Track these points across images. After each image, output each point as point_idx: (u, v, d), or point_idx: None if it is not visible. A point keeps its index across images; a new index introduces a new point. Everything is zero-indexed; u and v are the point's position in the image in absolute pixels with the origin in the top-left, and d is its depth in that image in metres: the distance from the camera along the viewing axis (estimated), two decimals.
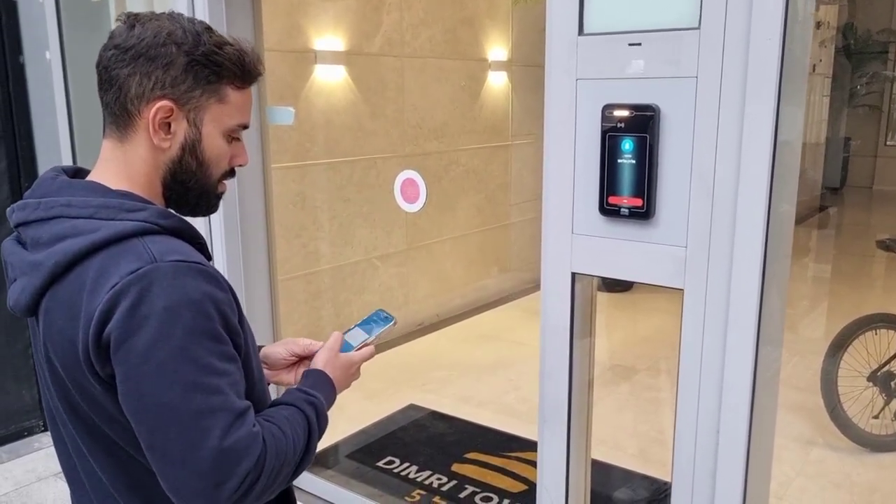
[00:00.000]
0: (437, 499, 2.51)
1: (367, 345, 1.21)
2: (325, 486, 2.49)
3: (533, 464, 2.86)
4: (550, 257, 1.58)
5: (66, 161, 2.84)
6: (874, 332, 2.89)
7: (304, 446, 0.99)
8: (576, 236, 1.53)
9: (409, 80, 4.05)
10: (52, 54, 2.82)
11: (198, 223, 2.63)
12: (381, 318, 1.26)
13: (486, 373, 3.69)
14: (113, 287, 0.84)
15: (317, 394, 1.07)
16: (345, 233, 3.79)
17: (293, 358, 1.22)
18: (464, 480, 2.63)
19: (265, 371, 1.21)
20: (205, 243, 1.00)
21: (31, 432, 3.08)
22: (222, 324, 0.89)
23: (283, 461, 0.93)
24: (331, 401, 1.11)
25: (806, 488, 2.58)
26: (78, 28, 2.81)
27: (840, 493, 2.56)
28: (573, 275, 1.57)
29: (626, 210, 1.44)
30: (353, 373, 1.18)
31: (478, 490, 2.56)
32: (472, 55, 4.48)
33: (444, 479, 2.63)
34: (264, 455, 0.89)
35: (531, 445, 3.01)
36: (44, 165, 2.93)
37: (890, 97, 9.47)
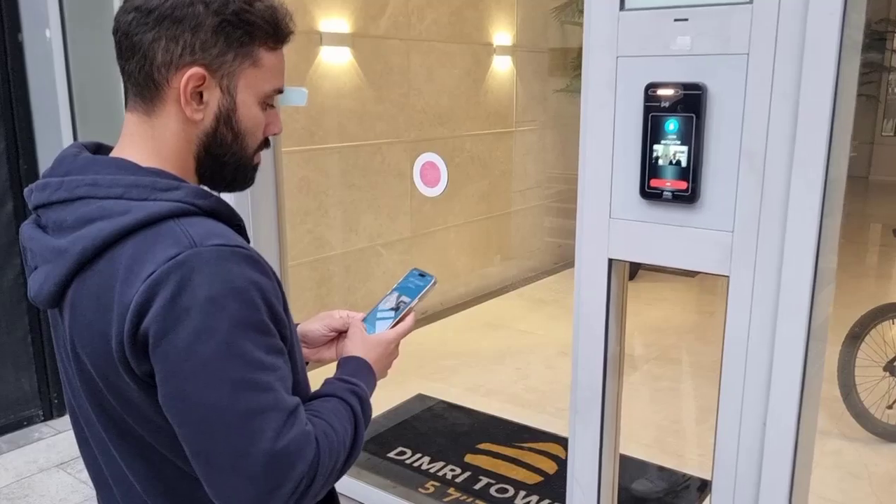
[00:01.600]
0: (451, 490, 2.47)
1: (404, 317, 1.11)
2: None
3: (547, 454, 2.82)
4: (586, 242, 1.53)
5: (67, 142, 2.75)
6: (891, 321, 2.86)
7: (351, 439, 0.93)
8: (614, 221, 1.47)
9: (415, 64, 3.97)
10: (53, 32, 2.73)
11: None
12: (416, 278, 1.16)
13: (493, 362, 3.64)
14: (149, 276, 0.76)
15: (358, 381, 1.00)
16: (350, 219, 3.72)
17: (332, 333, 1.14)
18: (477, 471, 2.58)
19: (304, 350, 1.14)
20: (243, 225, 0.93)
21: (30, 422, 3.00)
22: (269, 314, 0.81)
23: (336, 459, 0.87)
24: (372, 387, 1.04)
25: (825, 480, 2.55)
26: (79, 5, 2.71)
27: (860, 484, 2.53)
28: (610, 261, 1.51)
29: (669, 193, 1.39)
30: (390, 352, 1.09)
31: (493, 481, 2.51)
32: (477, 39, 4.41)
33: (458, 471, 2.58)
34: (318, 456, 0.83)
35: (543, 436, 2.97)
36: (43, 147, 2.84)
37: (886, 87, 9.46)
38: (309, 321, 1.17)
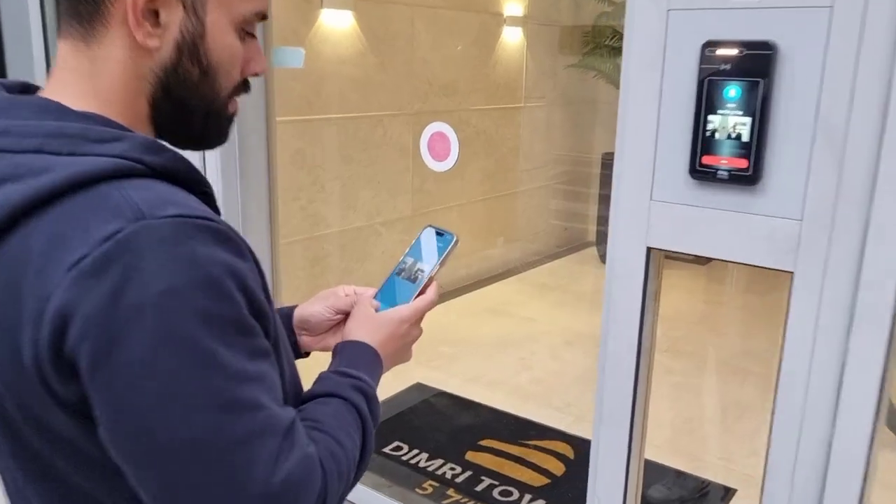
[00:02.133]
0: (451, 492, 2.28)
1: (425, 288, 0.92)
2: None
3: (554, 454, 2.63)
4: (621, 228, 1.32)
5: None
6: None
7: (360, 449, 0.73)
8: (655, 204, 1.27)
9: (420, 31, 3.73)
10: None
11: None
12: (434, 238, 0.96)
13: (496, 350, 3.45)
14: (78, 263, 0.55)
15: (360, 373, 0.80)
16: (347, 196, 3.50)
17: (338, 316, 0.95)
18: (479, 471, 2.39)
19: (304, 338, 0.96)
20: (212, 193, 0.72)
21: None
22: (249, 307, 0.61)
23: (346, 481, 0.69)
24: (377, 377, 0.84)
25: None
26: None
27: None
28: (649, 250, 1.30)
29: (725, 173, 1.18)
30: (403, 332, 0.89)
31: (496, 483, 2.32)
32: (487, 7, 4.16)
33: (458, 469, 2.39)
34: (325, 485, 0.64)
35: (549, 432, 2.78)
36: None
37: None
38: (309, 302, 0.97)
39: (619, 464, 1.42)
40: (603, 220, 4.73)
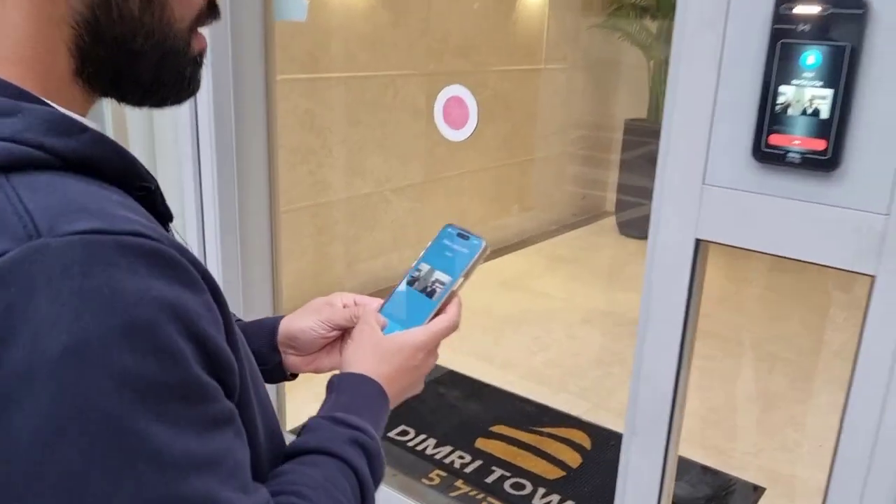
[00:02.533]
0: (459, 483, 2.13)
1: (445, 304, 0.74)
2: None
3: (570, 443, 2.47)
4: (667, 216, 1.13)
5: None
6: None
7: None
8: (709, 189, 1.08)
9: None
10: None
11: (164, 133, 2.09)
12: (456, 242, 0.78)
13: (508, 328, 3.29)
14: None
15: (361, 422, 0.63)
16: (355, 161, 3.31)
17: (334, 332, 0.78)
18: (490, 460, 2.24)
19: (292, 358, 0.79)
20: (155, 188, 0.53)
21: None
22: (202, 358, 0.44)
23: None
24: (382, 422, 0.68)
25: None
26: None
27: None
28: (698, 242, 1.12)
29: (797, 155, 0.99)
30: (418, 362, 0.72)
31: (507, 474, 2.18)
32: None
33: (468, 458, 2.25)
34: None
35: (566, 419, 2.61)
36: None
37: None
38: (298, 314, 0.80)
39: (654, 474, 1.26)
40: (624, 189, 4.52)
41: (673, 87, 1.09)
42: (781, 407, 2.62)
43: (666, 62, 4.32)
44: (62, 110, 0.47)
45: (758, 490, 2.16)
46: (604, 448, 2.33)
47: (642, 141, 4.33)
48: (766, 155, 1.01)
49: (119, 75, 0.52)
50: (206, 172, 1.95)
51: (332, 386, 0.69)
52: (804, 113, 0.98)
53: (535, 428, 2.44)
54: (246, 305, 2.12)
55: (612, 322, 3.28)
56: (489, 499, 2.07)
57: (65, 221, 0.40)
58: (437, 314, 0.74)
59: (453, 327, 0.74)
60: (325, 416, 0.63)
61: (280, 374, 0.80)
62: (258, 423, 0.54)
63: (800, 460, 2.33)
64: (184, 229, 2.06)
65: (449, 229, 0.81)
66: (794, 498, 2.15)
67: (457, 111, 1.56)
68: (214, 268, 2.02)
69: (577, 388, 2.73)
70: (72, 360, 0.38)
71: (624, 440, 1.29)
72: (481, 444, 2.33)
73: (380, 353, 0.70)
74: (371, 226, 3.46)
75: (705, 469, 2.22)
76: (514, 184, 4.34)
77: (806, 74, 0.97)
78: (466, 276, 0.76)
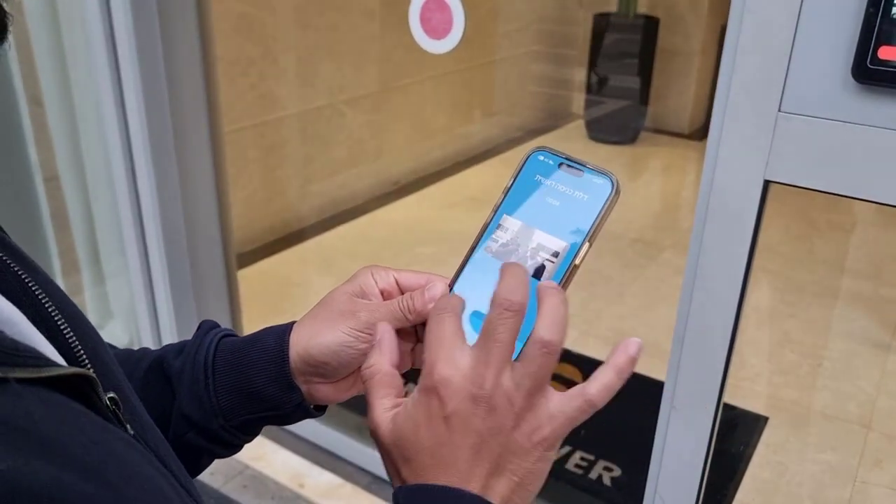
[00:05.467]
0: None
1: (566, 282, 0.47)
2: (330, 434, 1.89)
3: (560, 380, 2.32)
4: (727, 152, 0.89)
5: None
6: None
7: None
8: (786, 118, 0.84)
9: None
10: None
11: (75, 45, 1.74)
12: (561, 180, 0.49)
13: None
14: None
15: None
16: (304, 70, 2.95)
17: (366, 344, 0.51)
18: None
19: (320, 389, 0.54)
20: None
21: None
22: None
23: None
24: None
25: (893, 411, 2.11)
26: None
27: None
28: (766, 184, 0.89)
29: None
30: (534, 445, 0.43)
31: None
32: None
33: None
34: None
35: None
36: None
37: None
38: (318, 324, 0.53)
39: (697, 456, 1.08)
40: (592, 88, 4.25)
41: None
42: (773, 323, 2.49)
43: None
44: None
45: (760, 420, 2.04)
46: None
47: (613, 36, 4.03)
48: (874, 73, 0.76)
49: None
50: (130, 91, 1.62)
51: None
52: None
53: None
54: (190, 244, 1.84)
55: None
56: None
57: None
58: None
59: (622, 372, 0.46)
60: None
61: (301, 413, 0.55)
62: None
63: (800, 384, 2.21)
64: (108, 163, 1.74)
65: (542, 157, 0.50)
66: (799, 426, 2.04)
67: (437, 16, 1.26)
68: (149, 201, 1.72)
69: None
70: None
71: (661, 414, 1.09)
72: None
73: (478, 430, 0.41)
74: (325, 143, 3.14)
75: None
76: (476, 88, 4.02)
77: None
78: (591, 239, 0.48)
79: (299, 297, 2.65)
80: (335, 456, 1.85)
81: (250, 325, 2.08)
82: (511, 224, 0.50)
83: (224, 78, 2.54)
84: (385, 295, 0.53)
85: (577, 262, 0.48)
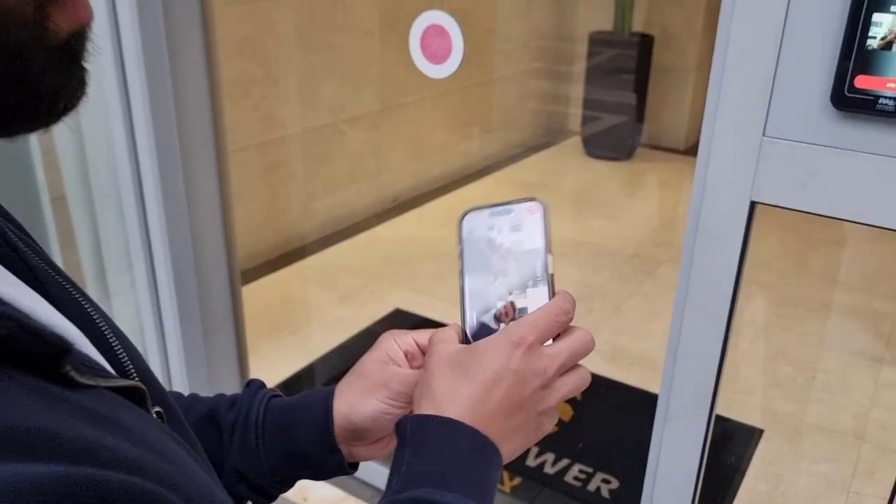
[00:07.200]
0: None
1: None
2: None
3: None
4: (715, 174, 0.94)
5: None
6: None
7: None
8: (770, 143, 0.88)
9: None
10: None
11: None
12: (499, 230, 0.56)
13: None
14: None
15: (457, 499, 0.44)
16: (305, 90, 3.00)
17: (408, 405, 0.57)
18: None
19: (359, 451, 0.60)
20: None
21: None
22: None
23: None
24: (491, 488, 0.48)
25: (887, 423, 2.14)
26: None
27: None
28: (753, 205, 0.93)
29: (891, 102, 0.80)
30: (549, 378, 0.50)
31: None
32: None
33: None
34: None
35: None
36: None
37: None
38: (356, 394, 0.58)
39: (691, 464, 1.11)
40: (588, 104, 4.31)
41: (728, 7, 0.87)
42: (768, 337, 2.53)
43: None
44: None
45: (755, 433, 2.07)
46: (595, 397, 2.21)
47: (609, 54, 4.09)
48: (851, 100, 0.81)
49: None
50: (138, 110, 1.67)
51: (402, 436, 0.48)
52: None
53: None
54: (196, 262, 1.88)
55: (588, 252, 3.12)
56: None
57: None
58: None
59: (570, 307, 0.52)
60: (404, 500, 0.43)
61: (339, 471, 0.61)
62: None
63: (795, 396, 2.25)
64: (115, 182, 1.78)
65: (473, 216, 0.57)
66: (794, 438, 2.07)
67: (437, 42, 1.31)
68: (156, 219, 1.76)
69: None
70: None
71: (656, 424, 1.13)
72: None
73: (461, 372, 0.48)
74: (325, 161, 3.19)
75: None
76: (475, 106, 4.08)
77: None
78: (550, 250, 0.55)
79: (301, 314, 2.69)
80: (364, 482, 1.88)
81: (254, 342, 2.12)
82: (479, 284, 0.55)
83: (227, 98, 2.59)
84: (409, 357, 0.60)
85: (551, 272, 0.55)
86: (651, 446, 1.13)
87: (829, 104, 0.83)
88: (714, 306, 1.00)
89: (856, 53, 0.79)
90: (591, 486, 1.85)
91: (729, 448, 1.99)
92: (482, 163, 4.04)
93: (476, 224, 0.57)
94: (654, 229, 3.43)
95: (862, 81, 0.80)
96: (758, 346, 2.50)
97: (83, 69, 0.33)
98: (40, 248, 0.45)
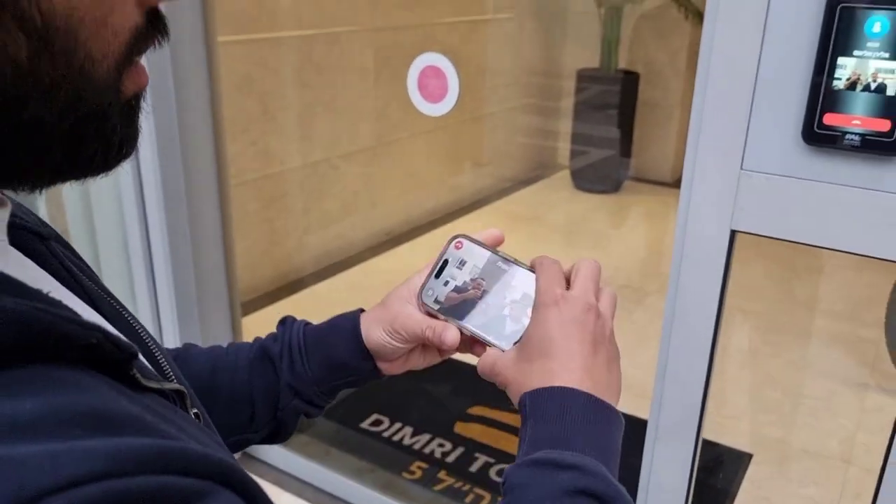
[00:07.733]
0: (442, 474, 2.02)
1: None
2: (298, 461, 1.96)
3: None
4: (698, 206, 1.00)
5: None
6: None
7: None
8: (748, 175, 0.95)
9: None
10: None
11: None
12: (454, 265, 0.70)
13: None
14: None
15: (576, 458, 0.49)
16: (302, 126, 3.08)
17: (411, 344, 0.69)
18: (472, 446, 2.13)
19: (381, 364, 0.71)
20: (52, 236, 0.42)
21: None
22: None
23: None
24: (613, 443, 0.54)
25: (872, 446, 2.19)
26: None
27: None
28: (733, 234, 1.00)
29: (857, 137, 0.87)
30: (595, 323, 0.60)
31: (491, 460, 2.07)
32: None
33: (448, 446, 2.13)
34: None
35: None
36: None
37: None
38: (373, 318, 0.70)
39: (680, 481, 1.16)
40: (577, 139, 4.41)
41: (706, 52, 0.95)
42: (756, 363, 2.58)
43: (618, 8, 4.17)
44: None
45: (744, 457, 2.11)
46: None
47: (596, 90, 4.20)
48: (820, 137, 0.88)
49: (9, 162, 0.34)
50: (146, 150, 1.73)
51: (524, 412, 0.55)
52: (867, 89, 0.85)
53: (513, 406, 2.34)
54: (199, 295, 1.93)
55: None
56: (476, 489, 1.96)
57: None
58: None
59: (546, 260, 0.65)
60: (526, 462, 0.50)
61: (372, 377, 0.72)
62: None
63: (783, 422, 2.30)
64: (120, 217, 1.84)
65: (430, 292, 0.67)
66: (782, 463, 2.11)
67: (434, 82, 1.38)
68: (161, 254, 1.82)
69: None
70: None
71: (646, 446, 1.18)
72: (461, 428, 2.22)
73: (538, 354, 0.57)
74: (320, 196, 3.26)
75: None
76: (467, 141, 4.17)
77: (871, 45, 0.84)
78: (505, 256, 0.67)
79: None
80: (335, 497, 1.91)
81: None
82: (478, 318, 0.65)
83: (226, 135, 2.66)
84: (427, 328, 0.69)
85: (511, 258, 0.67)
86: (642, 469, 1.18)
87: (801, 140, 0.90)
88: (699, 330, 1.06)
89: (823, 93, 0.87)
90: None
91: (719, 472, 2.03)
92: (474, 196, 4.12)
93: (436, 293, 0.66)
94: (642, 260, 3.50)
95: (830, 119, 0.87)
96: (746, 372, 2.55)
97: (139, 123, 0.40)
98: (91, 270, 0.50)
